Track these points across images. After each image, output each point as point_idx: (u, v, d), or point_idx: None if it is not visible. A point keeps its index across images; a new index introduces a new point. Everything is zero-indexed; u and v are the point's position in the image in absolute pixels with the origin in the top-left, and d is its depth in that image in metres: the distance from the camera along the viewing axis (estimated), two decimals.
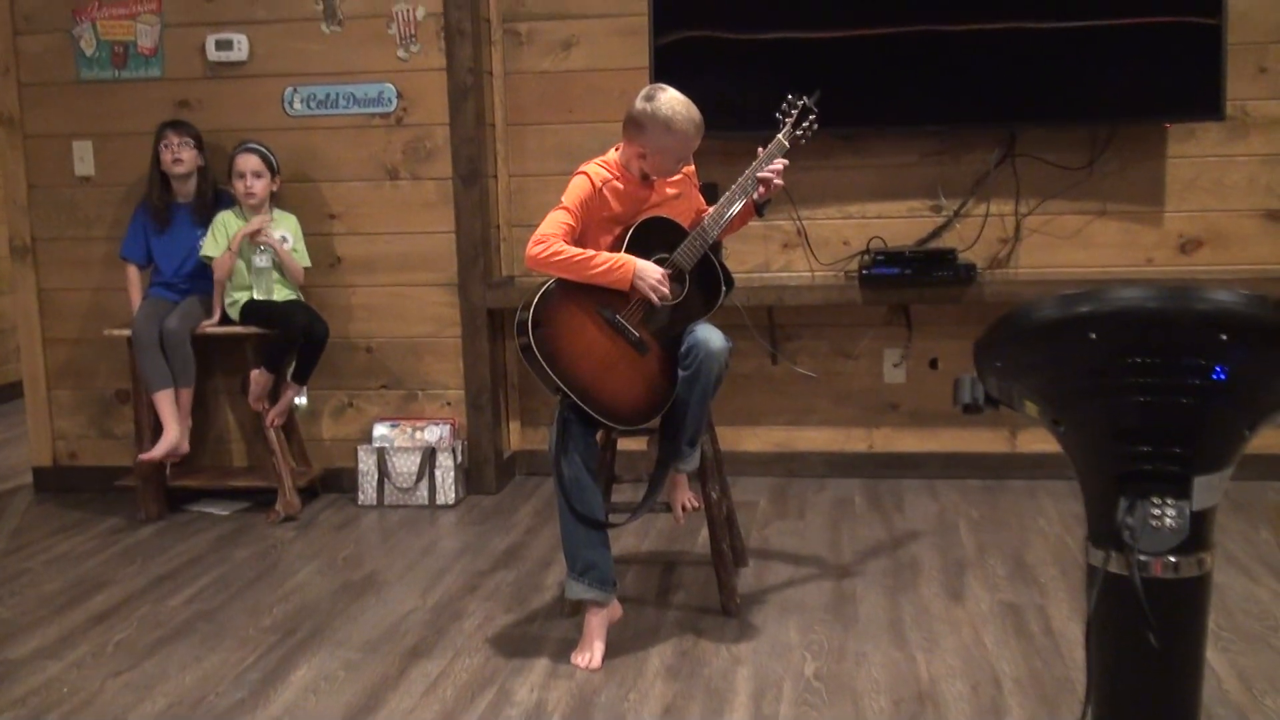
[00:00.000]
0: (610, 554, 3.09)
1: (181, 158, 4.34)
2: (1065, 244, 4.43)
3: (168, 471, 4.43)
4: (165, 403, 4.25)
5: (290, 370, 4.39)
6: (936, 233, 4.47)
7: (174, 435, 4.25)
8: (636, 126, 3.05)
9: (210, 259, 4.31)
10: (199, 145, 4.38)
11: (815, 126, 3.25)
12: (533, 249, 2.98)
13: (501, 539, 4.02)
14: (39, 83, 4.59)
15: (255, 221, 4.27)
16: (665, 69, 4.25)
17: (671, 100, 3.03)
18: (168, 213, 4.40)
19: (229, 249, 4.26)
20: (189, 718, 2.72)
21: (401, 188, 4.55)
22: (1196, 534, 1.75)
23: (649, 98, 3.04)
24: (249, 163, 4.30)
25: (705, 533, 3.55)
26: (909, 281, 4.20)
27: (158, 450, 4.24)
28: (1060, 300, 1.72)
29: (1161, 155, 4.34)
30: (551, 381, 2.97)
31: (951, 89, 4.28)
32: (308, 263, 4.44)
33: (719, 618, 3.24)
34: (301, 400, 4.59)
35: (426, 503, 4.45)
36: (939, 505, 4.24)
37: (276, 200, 4.44)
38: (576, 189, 3.08)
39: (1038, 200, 4.41)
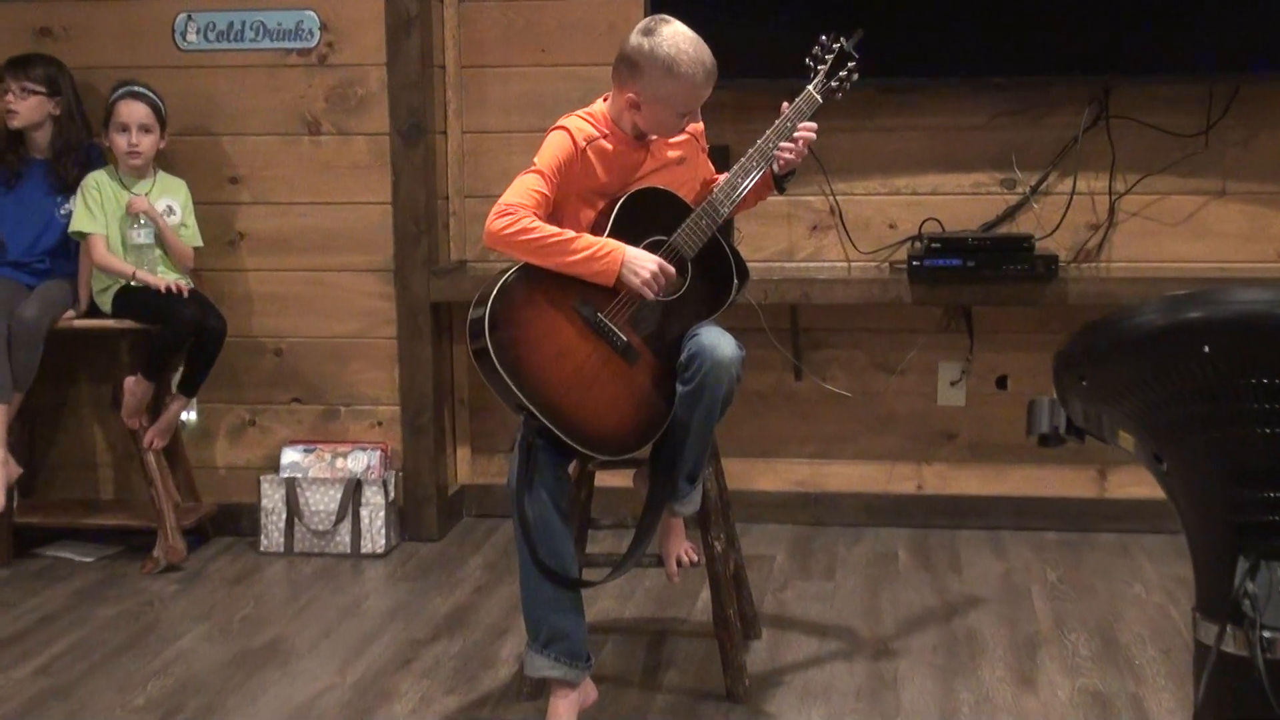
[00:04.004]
0: (584, 620, 3.08)
1: (16, 109, 4.34)
2: (1172, 232, 4.45)
3: (14, 505, 4.42)
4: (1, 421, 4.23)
5: (175, 378, 4.39)
6: (1008, 215, 4.48)
7: (13, 469, 4.25)
8: (630, 69, 3.06)
9: (83, 235, 4.31)
10: (53, 89, 4.37)
11: (855, 76, 3.25)
12: (494, 223, 2.98)
13: (444, 599, 4.02)
14: None
15: (137, 201, 4.27)
16: None
17: (676, 37, 3.03)
18: (17, 173, 4.40)
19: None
20: None
21: (324, 145, 4.55)
22: None
23: (647, 32, 3.05)
24: (135, 112, 4.29)
25: (706, 594, 3.55)
26: (972, 276, 4.21)
27: None
28: (1165, 303, 1.73)
29: None
30: (513, 397, 2.97)
31: (1030, 30, 4.29)
32: (199, 241, 4.43)
33: (722, 704, 3.23)
34: (190, 416, 4.58)
35: (349, 550, 4.45)
36: (1006, 564, 4.25)
37: (161, 161, 4.44)
38: (553, 148, 3.08)
39: (1138, 176, 4.43)
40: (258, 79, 4.53)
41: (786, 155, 3.17)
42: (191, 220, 4.42)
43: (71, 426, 4.71)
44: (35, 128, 4.39)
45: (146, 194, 4.32)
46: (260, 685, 3.39)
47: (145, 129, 4.30)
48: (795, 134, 3.17)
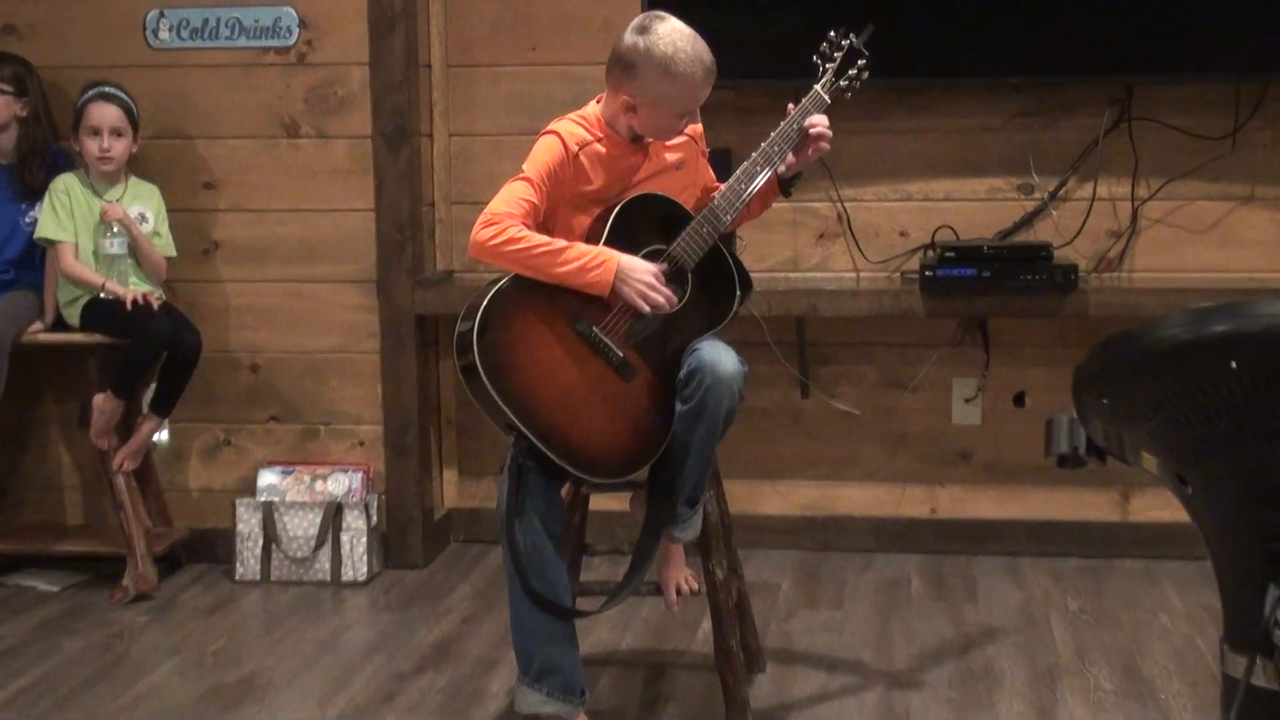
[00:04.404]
0: (578, 652, 3.08)
1: None
2: (1198, 240, 4.45)
3: None
4: None
5: (147, 395, 4.39)
6: (1026, 221, 4.49)
7: None
8: (625, 69, 3.06)
9: (50, 242, 4.30)
10: (20, 89, 4.37)
11: (865, 75, 3.26)
12: (480, 233, 2.98)
13: (430, 629, 4.01)
14: None
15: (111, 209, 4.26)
16: None
17: (673, 34, 3.04)
18: None
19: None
20: None
21: (303, 149, 4.56)
22: None
23: (642, 30, 3.05)
24: (107, 115, 4.29)
25: (707, 625, 3.54)
26: (988, 287, 4.21)
27: None
28: (1191, 316, 1.73)
29: None
30: (502, 416, 2.97)
31: (1048, 28, 4.30)
32: (172, 251, 4.43)
33: None
34: (161, 436, 4.58)
35: (328, 578, 4.45)
36: (1024, 592, 4.25)
37: (134, 165, 4.44)
38: (543, 153, 3.08)
39: (1161, 180, 4.43)
40: (233, 79, 4.54)
41: (794, 157, 3.17)
42: (165, 229, 4.42)
43: (36, 447, 4.71)
44: (0, 130, 4.38)
45: (119, 200, 4.32)
46: None
47: (117, 133, 4.29)
48: (808, 127, 3.15)
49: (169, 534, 4.55)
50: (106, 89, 4.32)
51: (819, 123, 3.17)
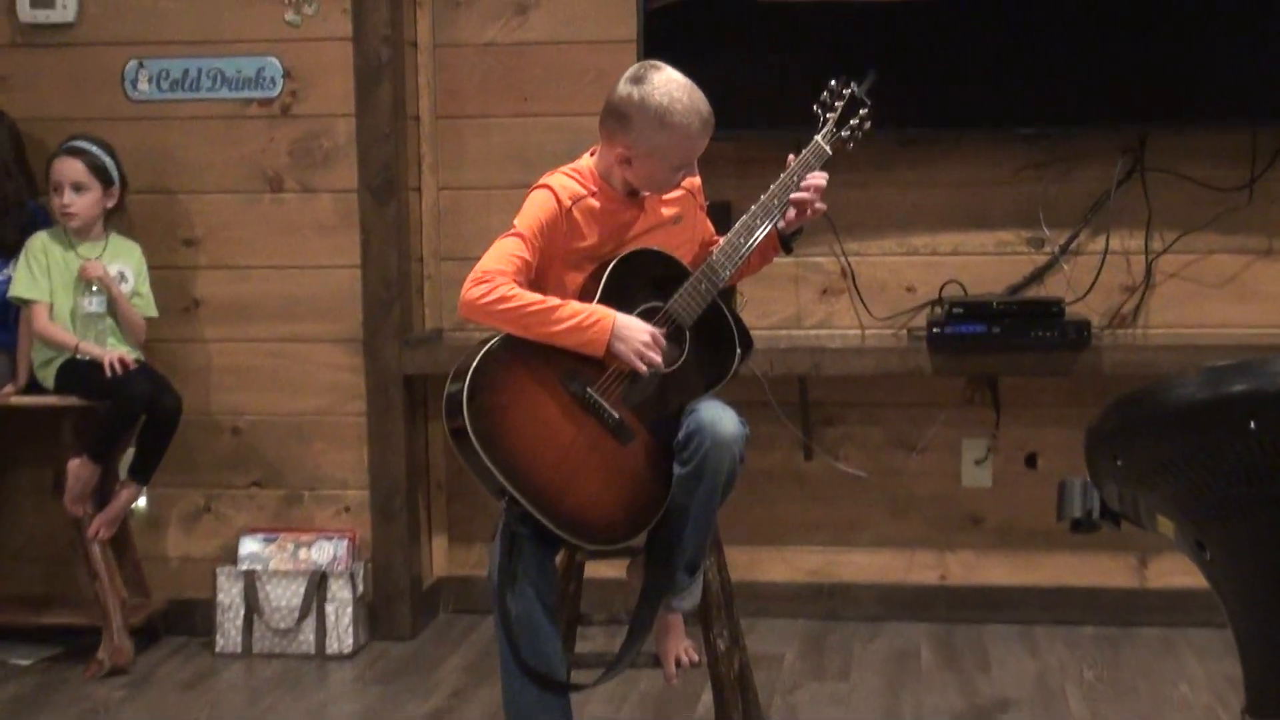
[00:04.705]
0: None
1: None
2: (1215, 294, 4.46)
3: None
4: None
5: (125, 460, 4.38)
6: (1036, 276, 4.50)
7: None
8: (619, 120, 3.08)
9: (25, 302, 4.31)
10: None
11: (867, 125, 3.28)
12: (470, 292, 2.99)
13: (419, 704, 3.99)
14: None
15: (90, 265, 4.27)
16: (660, 41, 4.27)
17: (668, 84, 3.06)
18: None
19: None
20: None
21: (287, 204, 4.57)
22: None
23: (637, 80, 3.07)
24: (67, 170, 4.29)
25: (708, 698, 3.53)
26: (997, 344, 4.21)
27: None
28: (1208, 375, 1.73)
29: None
30: (494, 480, 2.97)
31: (1058, 77, 4.32)
32: (153, 311, 4.43)
33: None
34: (140, 503, 4.57)
35: (313, 651, 4.43)
36: (1039, 662, 4.23)
37: (115, 220, 4.45)
38: (535, 208, 3.10)
39: (1176, 233, 4.45)
40: (215, 131, 4.56)
41: (794, 211, 3.18)
42: (146, 288, 4.42)
43: (8, 514, 4.69)
44: None
45: (98, 258, 4.33)
46: None
47: (79, 187, 4.28)
48: (805, 183, 3.17)
49: (146, 605, 4.54)
50: (75, 143, 4.33)
51: (812, 183, 3.19)
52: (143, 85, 4.56)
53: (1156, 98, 4.32)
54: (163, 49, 4.53)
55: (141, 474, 4.38)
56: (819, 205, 3.20)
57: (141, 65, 4.55)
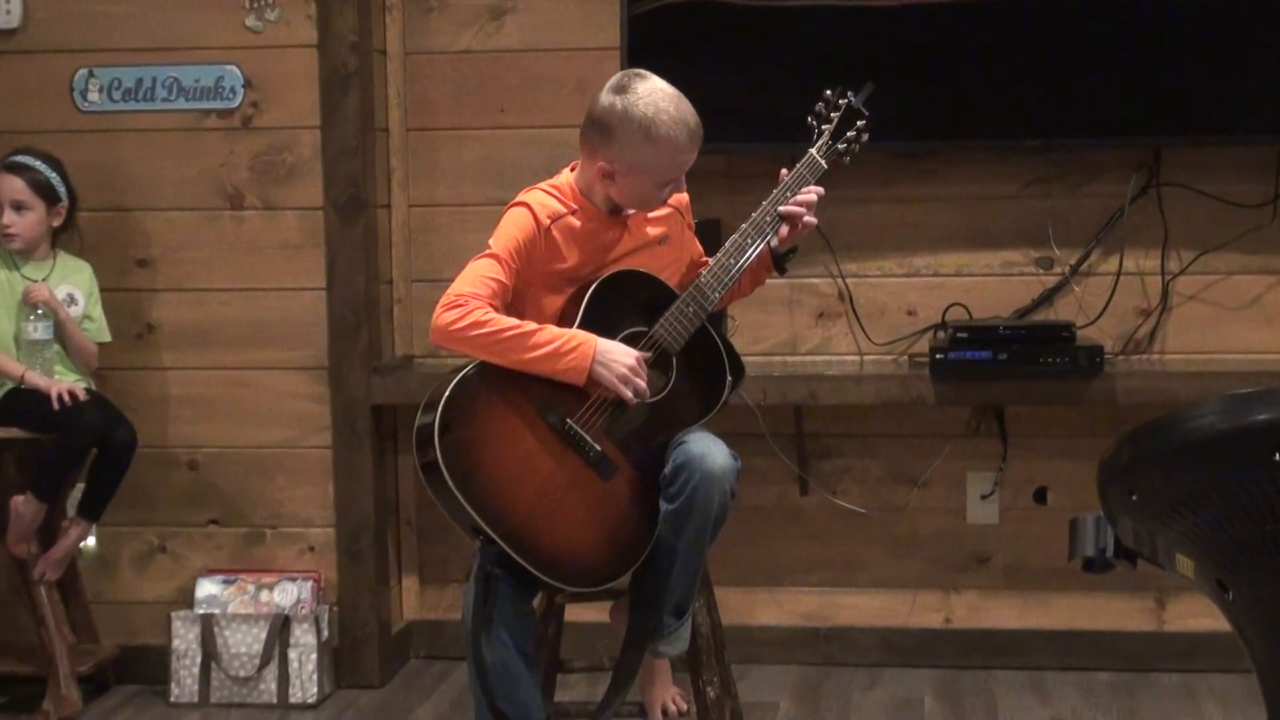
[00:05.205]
0: None
1: None
2: (1235, 318, 4.47)
3: None
4: None
5: (73, 497, 4.36)
6: (1045, 299, 4.50)
7: None
8: (602, 132, 3.08)
9: None
10: None
11: (865, 137, 3.28)
12: (442, 317, 3.00)
13: None
14: None
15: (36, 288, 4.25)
16: (645, 49, 4.28)
17: (653, 94, 3.07)
18: None
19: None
20: None
21: (248, 222, 4.56)
22: None
23: (620, 89, 3.08)
24: (6, 188, 4.26)
25: None
26: (1004, 371, 4.22)
27: None
28: (1229, 403, 1.73)
29: None
30: (467, 518, 2.96)
31: (1068, 87, 4.33)
32: (105, 336, 4.42)
33: None
34: (89, 543, 4.55)
35: (275, 700, 4.41)
36: (1050, 710, 4.23)
37: (64, 239, 4.44)
38: (511, 227, 3.10)
39: (1194, 253, 4.46)
40: (171, 145, 4.55)
41: (787, 229, 3.19)
42: (97, 311, 4.41)
43: None
44: None
45: (45, 279, 4.32)
46: None
47: (19, 207, 4.27)
48: (796, 203, 3.17)
49: (96, 652, 4.51)
50: (16, 158, 4.32)
51: (804, 198, 3.19)
52: (93, 95, 4.55)
53: (1173, 108, 4.33)
54: (115, 56, 4.53)
55: (91, 511, 4.35)
56: (809, 219, 3.20)
57: (92, 74, 4.54)
